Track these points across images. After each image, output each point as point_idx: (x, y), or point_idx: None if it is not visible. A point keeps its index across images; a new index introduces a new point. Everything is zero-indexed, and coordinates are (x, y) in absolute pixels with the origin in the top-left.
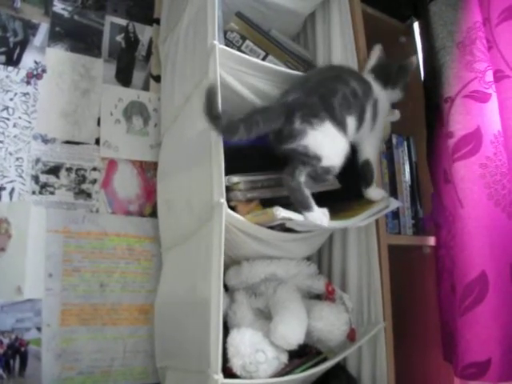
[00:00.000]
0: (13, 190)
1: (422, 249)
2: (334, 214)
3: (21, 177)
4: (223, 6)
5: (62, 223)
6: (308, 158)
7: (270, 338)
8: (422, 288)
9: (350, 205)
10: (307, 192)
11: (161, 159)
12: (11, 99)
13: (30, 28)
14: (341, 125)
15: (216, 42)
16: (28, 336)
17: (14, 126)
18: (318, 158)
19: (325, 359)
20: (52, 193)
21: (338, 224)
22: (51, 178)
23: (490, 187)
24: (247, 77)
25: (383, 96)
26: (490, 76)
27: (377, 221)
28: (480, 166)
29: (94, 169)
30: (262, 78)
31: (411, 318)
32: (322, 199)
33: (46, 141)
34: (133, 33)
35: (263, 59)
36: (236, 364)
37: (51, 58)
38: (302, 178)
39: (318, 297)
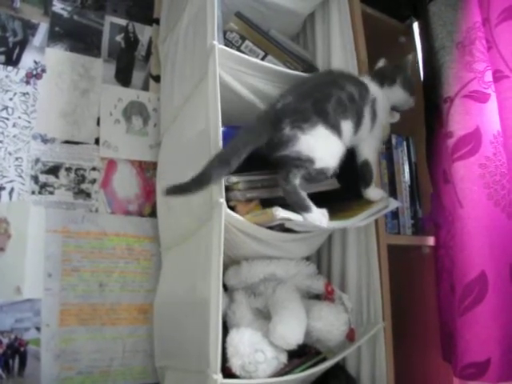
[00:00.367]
0: (12, 189)
1: (421, 249)
2: (334, 214)
3: (20, 176)
4: (223, 6)
5: (61, 223)
6: (301, 162)
7: (269, 338)
8: (421, 288)
9: (350, 205)
10: (303, 194)
11: (160, 159)
12: (11, 99)
13: (30, 28)
14: (335, 128)
15: (215, 42)
16: (27, 336)
17: (14, 125)
18: (311, 161)
19: (324, 359)
20: (51, 193)
21: (338, 224)
22: (50, 178)
23: (490, 187)
24: (247, 77)
25: (381, 95)
26: (489, 76)
27: (376, 221)
28: (479, 166)
29: (94, 169)
30: (262, 77)
31: (410, 318)
32: (321, 199)
33: (45, 141)
34: (132, 33)
35: (262, 59)
36: (235, 364)
37: (51, 57)
38: (297, 181)
39: (317, 297)
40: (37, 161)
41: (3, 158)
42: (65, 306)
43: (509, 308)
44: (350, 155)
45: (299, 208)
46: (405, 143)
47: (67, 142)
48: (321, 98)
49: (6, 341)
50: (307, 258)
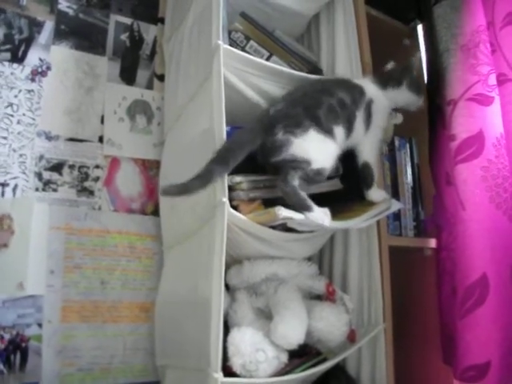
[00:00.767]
0: (16, 186)
1: (422, 251)
2: (336, 214)
3: (24, 173)
4: (228, 6)
5: (64, 220)
6: (297, 163)
7: (270, 338)
8: (422, 290)
9: (352, 206)
10: (303, 194)
11: (164, 158)
12: (16, 96)
13: (35, 26)
14: (327, 132)
15: (220, 42)
16: (29, 332)
17: (18, 122)
18: (307, 162)
19: (324, 359)
20: (55, 190)
21: (340, 225)
22: (54, 175)
23: (492, 190)
24: (251, 77)
25: (381, 96)
26: (493, 79)
27: (378, 222)
28: (482, 169)
29: (97, 166)
30: (266, 78)
31: (411, 319)
32: (323, 200)
33: (49, 138)
34: (137, 32)
35: (267, 60)
36: (236, 363)
37: (56, 55)
38: (296, 182)
39: (318, 297)
40: (41, 158)
41: (7, 155)
42: (67, 302)
43: (510, 311)
44: (352, 156)
45: (300, 208)
46: (408, 145)
47: (71, 139)
48: (312, 105)
49: (7, 336)
50: (309, 259)
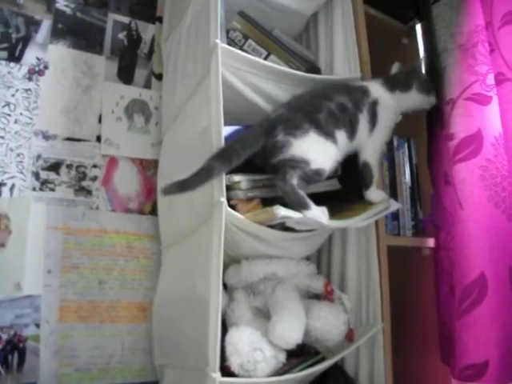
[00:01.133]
0: (13, 185)
1: (421, 250)
2: (335, 214)
3: (21, 173)
4: (226, 5)
5: (61, 220)
6: (296, 163)
7: (268, 337)
8: (420, 289)
9: (351, 206)
10: (302, 193)
11: (162, 157)
12: (13, 95)
13: (33, 24)
14: (328, 135)
15: (218, 41)
16: (26, 332)
17: (16, 122)
18: (306, 162)
19: (323, 359)
20: (52, 189)
21: (338, 224)
22: (52, 175)
23: (491, 189)
24: (249, 76)
25: (387, 97)
26: (491, 79)
27: (376, 222)
28: (480, 169)
29: (95, 166)
30: (264, 77)
31: (410, 319)
32: (322, 200)
33: (46, 137)
34: (135, 31)
35: (265, 59)
36: (234, 362)
37: (53, 54)
38: (294, 181)
39: (316, 297)
40: (38, 157)
41: (5, 154)
42: (64, 302)
43: (508, 310)
44: (351, 156)
45: (299, 206)
46: (406, 145)
47: (69, 138)
48: (312, 110)
49: (5, 336)
50: (307, 258)
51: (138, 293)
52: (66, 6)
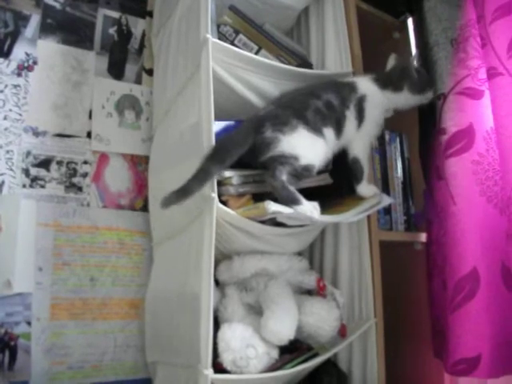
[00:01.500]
0: (3, 182)
1: (413, 245)
2: (327, 209)
3: (11, 170)
4: None
5: (52, 217)
6: (285, 159)
7: (260, 334)
8: (413, 284)
9: (343, 200)
10: (292, 188)
11: (152, 153)
12: (2, 91)
13: (21, 19)
14: (316, 131)
15: (209, 36)
16: (18, 330)
17: (5, 118)
18: (295, 158)
19: (315, 355)
20: (42, 186)
21: (330, 219)
22: (42, 172)
23: (483, 184)
24: (240, 71)
25: (377, 93)
26: (483, 73)
27: (368, 217)
28: (472, 163)
29: (85, 162)
30: (255, 72)
31: (402, 314)
32: (314, 195)
33: (36, 134)
34: (126, 25)
35: (256, 53)
36: (226, 359)
37: (42, 50)
38: (284, 177)
39: (309, 292)
40: (28, 154)
41: None
42: (56, 300)
43: (500, 304)
44: (343, 151)
45: (289, 202)
46: (398, 139)
47: (59, 135)
48: (299, 108)
49: None
50: (299, 254)
51: (130, 289)
52: (55, 0)
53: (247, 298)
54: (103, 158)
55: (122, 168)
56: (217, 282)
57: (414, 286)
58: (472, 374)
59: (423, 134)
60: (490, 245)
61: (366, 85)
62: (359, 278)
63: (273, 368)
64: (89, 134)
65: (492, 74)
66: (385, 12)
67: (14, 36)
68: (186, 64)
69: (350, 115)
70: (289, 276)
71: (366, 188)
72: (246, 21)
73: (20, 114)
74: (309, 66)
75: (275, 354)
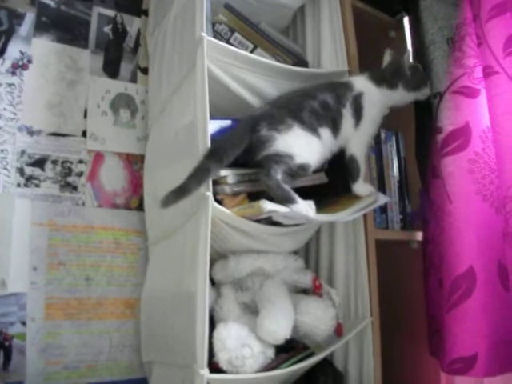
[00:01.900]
0: None
1: (409, 244)
2: (322, 208)
3: (6, 169)
4: None
5: (47, 216)
6: (280, 157)
7: (256, 333)
8: (409, 283)
9: (338, 199)
10: (287, 187)
11: (148, 152)
12: None
13: (16, 17)
14: (312, 130)
15: (204, 34)
16: (12, 330)
17: None
18: (290, 157)
19: (312, 354)
20: (37, 185)
21: (325, 218)
22: (36, 171)
23: (479, 182)
24: (235, 69)
25: (373, 90)
26: (479, 72)
27: (364, 215)
28: (469, 162)
29: (80, 161)
30: (250, 70)
31: (398, 313)
32: (310, 194)
33: (31, 133)
34: (121, 24)
35: (252, 52)
36: (222, 359)
37: (37, 48)
38: (279, 176)
39: (304, 291)
40: (22, 153)
41: None
42: (51, 299)
43: (496, 303)
44: (339, 150)
45: (284, 201)
46: (394, 138)
47: (54, 134)
48: (295, 108)
49: None
50: (295, 253)
51: (126, 289)
52: None
53: (243, 298)
54: (98, 157)
55: (118, 167)
56: (212, 282)
57: (410, 285)
58: (468, 373)
59: (419, 133)
60: (486, 243)
61: (361, 82)
62: (355, 277)
63: (269, 367)
64: (84, 133)
65: (488, 72)
66: (381, 11)
67: (9, 34)
68: (181, 63)
69: (347, 113)
70: (284, 275)
71: (362, 187)
72: (242, 19)
73: (14, 113)
74: (305, 64)
75: (271, 353)
